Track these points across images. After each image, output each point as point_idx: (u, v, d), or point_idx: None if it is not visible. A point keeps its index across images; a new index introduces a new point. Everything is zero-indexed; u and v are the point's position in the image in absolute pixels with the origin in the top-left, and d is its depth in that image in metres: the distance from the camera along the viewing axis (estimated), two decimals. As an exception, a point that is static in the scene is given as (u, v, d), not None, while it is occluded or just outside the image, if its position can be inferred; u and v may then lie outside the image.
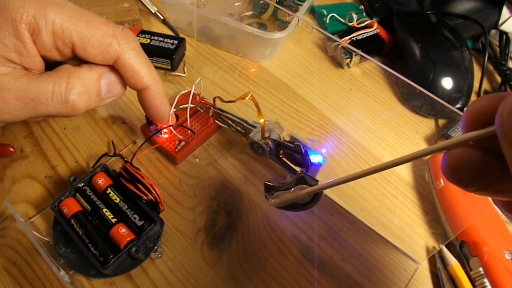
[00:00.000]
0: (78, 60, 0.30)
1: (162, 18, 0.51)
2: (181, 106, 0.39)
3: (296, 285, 0.32)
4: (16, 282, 0.30)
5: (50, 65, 0.29)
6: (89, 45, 0.28)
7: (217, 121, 0.39)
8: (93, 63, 0.30)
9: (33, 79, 0.27)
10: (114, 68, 0.31)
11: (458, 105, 0.45)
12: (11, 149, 0.36)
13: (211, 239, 0.34)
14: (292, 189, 0.30)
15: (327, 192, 0.30)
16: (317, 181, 0.29)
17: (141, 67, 0.30)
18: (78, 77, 0.28)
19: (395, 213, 0.37)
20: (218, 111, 0.38)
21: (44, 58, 0.29)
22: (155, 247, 0.32)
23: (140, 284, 0.31)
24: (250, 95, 0.35)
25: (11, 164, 0.36)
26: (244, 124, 0.36)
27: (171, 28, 0.50)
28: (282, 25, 0.50)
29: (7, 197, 0.34)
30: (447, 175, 0.17)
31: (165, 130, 0.37)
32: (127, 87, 0.32)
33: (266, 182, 0.32)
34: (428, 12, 0.52)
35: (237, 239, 0.34)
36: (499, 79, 0.51)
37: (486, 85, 0.50)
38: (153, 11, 0.51)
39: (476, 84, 0.48)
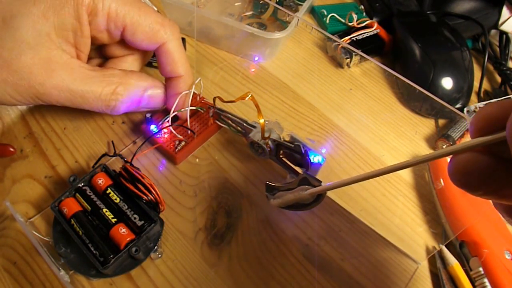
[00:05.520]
0: (123, 45, 0.33)
1: (162, 18, 0.51)
2: (182, 110, 0.38)
3: (296, 285, 0.32)
4: (16, 282, 0.30)
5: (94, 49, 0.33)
6: (139, 29, 0.31)
7: (217, 121, 0.39)
8: (139, 48, 0.33)
9: (86, 78, 0.30)
10: (159, 84, 0.34)
11: (458, 105, 0.45)
12: (11, 149, 0.36)
13: (211, 239, 0.34)
14: (295, 190, 0.30)
15: (327, 192, 0.30)
16: (320, 181, 0.29)
17: (180, 56, 0.34)
18: (126, 88, 0.31)
19: (395, 213, 0.37)
20: (218, 111, 0.38)
21: (93, 39, 0.31)
22: (155, 247, 0.32)
23: (140, 284, 0.31)
24: (250, 95, 0.35)
25: (11, 164, 0.36)
26: (244, 124, 0.36)
27: (171, 28, 0.50)
28: (282, 25, 0.50)
29: (7, 197, 0.34)
30: (454, 180, 0.17)
31: (165, 130, 0.37)
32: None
33: (268, 182, 0.32)
34: (428, 12, 0.52)
35: (237, 239, 0.34)
36: (499, 79, 0.51)
37: (486, 85, 0.50)
38: (153, 11, 0.51)
39: (476, 84, 0.48)
